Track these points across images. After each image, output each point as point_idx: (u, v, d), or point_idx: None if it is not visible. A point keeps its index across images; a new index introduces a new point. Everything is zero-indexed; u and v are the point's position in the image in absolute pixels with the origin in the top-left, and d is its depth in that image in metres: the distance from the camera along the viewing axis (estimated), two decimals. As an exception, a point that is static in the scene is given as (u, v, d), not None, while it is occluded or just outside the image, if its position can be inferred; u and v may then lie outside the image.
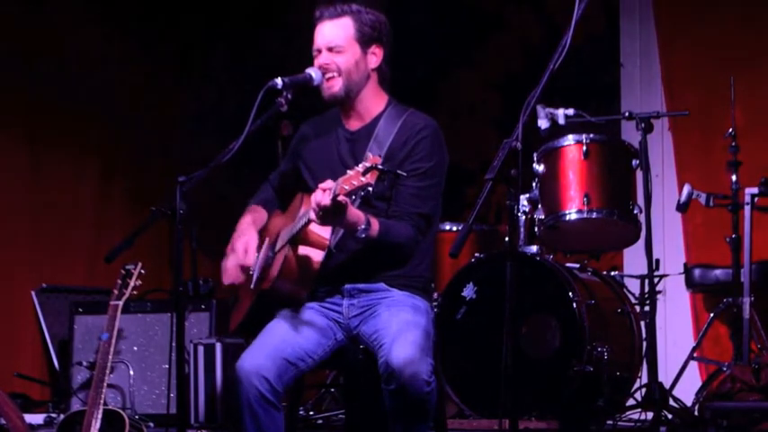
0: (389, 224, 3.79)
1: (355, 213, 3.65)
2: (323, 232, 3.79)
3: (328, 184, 3.54)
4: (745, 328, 5.20)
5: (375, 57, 3.94)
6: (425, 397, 3.57)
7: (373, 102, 3.97)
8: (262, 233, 4.01)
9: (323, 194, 3.53)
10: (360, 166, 3.48)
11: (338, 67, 3.89)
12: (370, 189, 3.52)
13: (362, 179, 3.46)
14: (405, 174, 3.64)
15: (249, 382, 3.69)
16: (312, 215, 3.60)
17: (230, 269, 3.95)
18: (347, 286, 3.89)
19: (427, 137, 3.88)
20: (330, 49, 3.90)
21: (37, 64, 6.45)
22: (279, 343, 3.78)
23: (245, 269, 3.93)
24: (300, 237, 3.79)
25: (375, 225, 3.71)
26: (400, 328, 3.68)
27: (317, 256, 3.81)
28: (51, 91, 6.53)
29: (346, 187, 3.48)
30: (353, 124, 3.99)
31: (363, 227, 3.66)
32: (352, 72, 3.90)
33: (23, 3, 6.45)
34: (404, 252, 3.85)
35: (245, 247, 3.93)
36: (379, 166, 3.46)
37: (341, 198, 3.51)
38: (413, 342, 3.62)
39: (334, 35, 3.90)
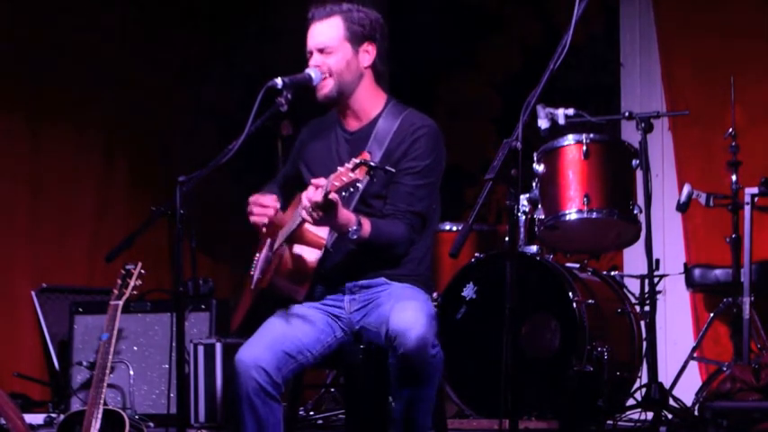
0: (382, 224, 3.77)
1: (346, 215, 3.65)
2: (319, 231, 3.78)
3: (321, 181, 3.53)
4: (745, 328, 5.20)
5: (368, 55, 3.92)
6: (431, 360, 3.57)
7: (370, 101, 3.95)
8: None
9: (315, 191, 3.52)
10: (350, 162, 3.45)
11: (330, 69, 3.87)
12: (360, 185, 3.51)
13: (351, 175, 3.43)
14: (394, 170, 3.60)
15: (248, 374, 3.66)
16: (304, 213, 3.58)
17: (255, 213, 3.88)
18: (348, 284, 3.89)
19: (424, 135, 3.86)
20: (321, 51, 3.88)
21: (36, 64, 6.45)
22: (278, 336, 3.77)
23: (263, 209, 3.88)
24: (297, 236, 3.78)
25: (366, 226, 3.70)
26: (403, 302, 3.69)
27: (313, 255, 3.80)
28: (51, 92, 6.53)
29: (336, 184, 3.46)
30: (352, 125, 3.97)
31: (354, 228, 3.65)
32: (343, 72, 3.88)
33: (22, 1, 6.46)
34: (398, 251, 3.84)
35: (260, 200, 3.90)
36: (369, 162, 3.42)
37: (332, 196, 3.50)
38: (417, 309, 3.63)
39: (324, 36, 3.88)
